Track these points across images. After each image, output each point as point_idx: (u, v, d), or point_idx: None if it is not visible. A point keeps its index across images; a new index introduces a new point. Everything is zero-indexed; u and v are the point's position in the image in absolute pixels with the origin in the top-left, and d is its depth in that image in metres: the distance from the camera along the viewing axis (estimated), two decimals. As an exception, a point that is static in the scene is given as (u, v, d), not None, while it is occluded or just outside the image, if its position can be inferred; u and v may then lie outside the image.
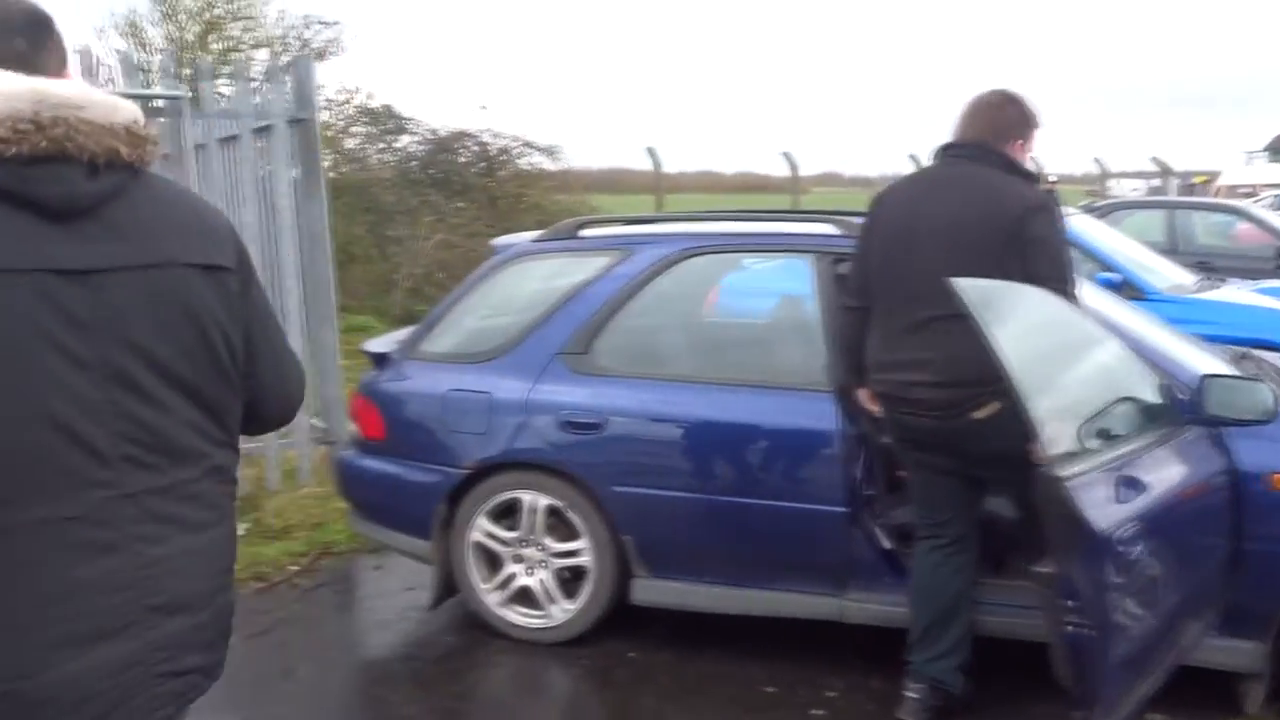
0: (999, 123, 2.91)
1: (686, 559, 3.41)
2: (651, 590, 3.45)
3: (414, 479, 3.66)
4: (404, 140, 14.42)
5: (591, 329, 3.51)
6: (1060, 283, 2.70)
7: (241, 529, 4.69)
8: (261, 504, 4.96)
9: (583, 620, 3.52)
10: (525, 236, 3.94)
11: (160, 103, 4.71)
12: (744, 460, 3.29)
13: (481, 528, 3.59)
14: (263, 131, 5.02)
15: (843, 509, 3.19)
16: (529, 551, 3.57)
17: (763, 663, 3.39)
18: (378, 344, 4.03)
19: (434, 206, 13.76)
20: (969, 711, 3.00)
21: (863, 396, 3.15)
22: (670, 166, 15.77)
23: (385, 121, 14.12)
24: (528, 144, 15.46)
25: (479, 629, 3.66)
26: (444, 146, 14.59)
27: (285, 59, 14.44)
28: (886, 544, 3.25)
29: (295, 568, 4.34)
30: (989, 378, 2.67)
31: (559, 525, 3.53)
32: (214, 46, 13.67)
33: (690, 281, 3.66)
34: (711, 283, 3.87)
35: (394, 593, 4.10)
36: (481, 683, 3.37)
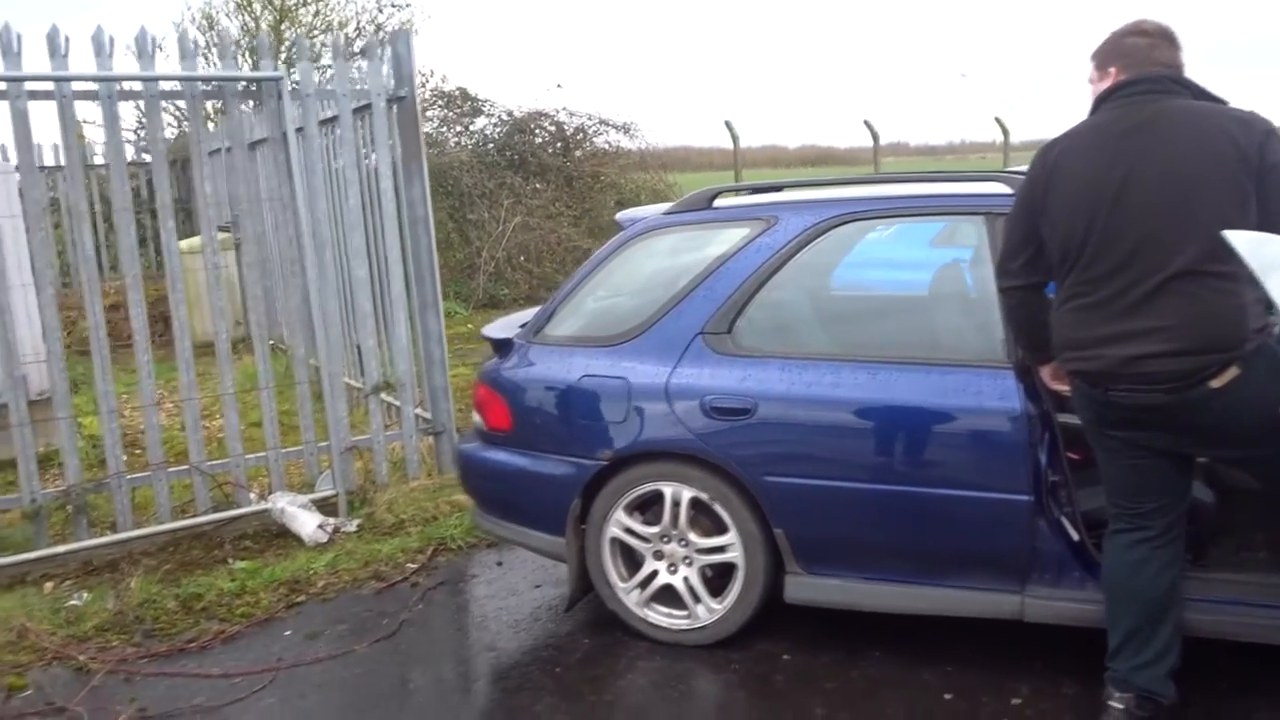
0: (1164, 52, 2.56)
1: (847, 554, 3.12)
2: (807, 588, 3.18)
3: (545, 472, 3.43)
4: (480, 122, 14.29)
5: (735, 306, 3.23)
6: None
7: (354, 525, 4.54)
8: (373, 498, 4.80)
9: (731, 621, 3.26)
10: (652, 210, 3.67)
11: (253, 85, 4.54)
12: (914, 445, 2.99)
13: (619, 522, 3.35)
14: (360, 112, 4.83)
15: (1027, 497, 2.87)
16: (671, 547, 3.31)
17: (934, 667, 3.09)
18: (497, 329, 3.81)
19: (512, 189, 13.61)
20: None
21: (1047, 374, 2.83)
22: (729, 143, 15.32)
23: (461, 104, 13.98)
24: (604, 122, 15.25)
25: (617, 630, 3.43)
26: (520, 127, 14.42)
27: (359, 41, 14.38)
28: (1074, 535, 2.92)
29: (413, 566, 4.16)
30: (1233, 341, 2.34)
31: (703, 519, 3.27)
32: (287, 34, 13.65)
33: (845, 251, 3.34)
34: (870, 251, 3.54)
35: (521, 591, 3.89)
36: (629, 690, 3.13)
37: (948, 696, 2.95)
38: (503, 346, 3.65)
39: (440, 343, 5.09)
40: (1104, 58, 2.63)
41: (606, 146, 15.21)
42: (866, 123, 18.23)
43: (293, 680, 3.26)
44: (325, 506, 4.63)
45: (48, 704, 3.15)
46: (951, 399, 2.94)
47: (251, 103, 5.07)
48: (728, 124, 16.95)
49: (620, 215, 3.74)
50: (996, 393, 2.89)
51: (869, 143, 17.96)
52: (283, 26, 13.23)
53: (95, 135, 11.11)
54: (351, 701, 3.13)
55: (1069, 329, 2.59)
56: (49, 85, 4.01)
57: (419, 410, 5.14)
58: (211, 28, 12.78)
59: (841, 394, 3.04)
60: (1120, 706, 2.66)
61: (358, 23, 13.70)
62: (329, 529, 4.44)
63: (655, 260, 3.54)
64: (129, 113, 12.38)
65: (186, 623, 3.70)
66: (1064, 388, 2.77)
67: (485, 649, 3.43)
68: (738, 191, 3.59)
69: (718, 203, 3.48)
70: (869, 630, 3.27)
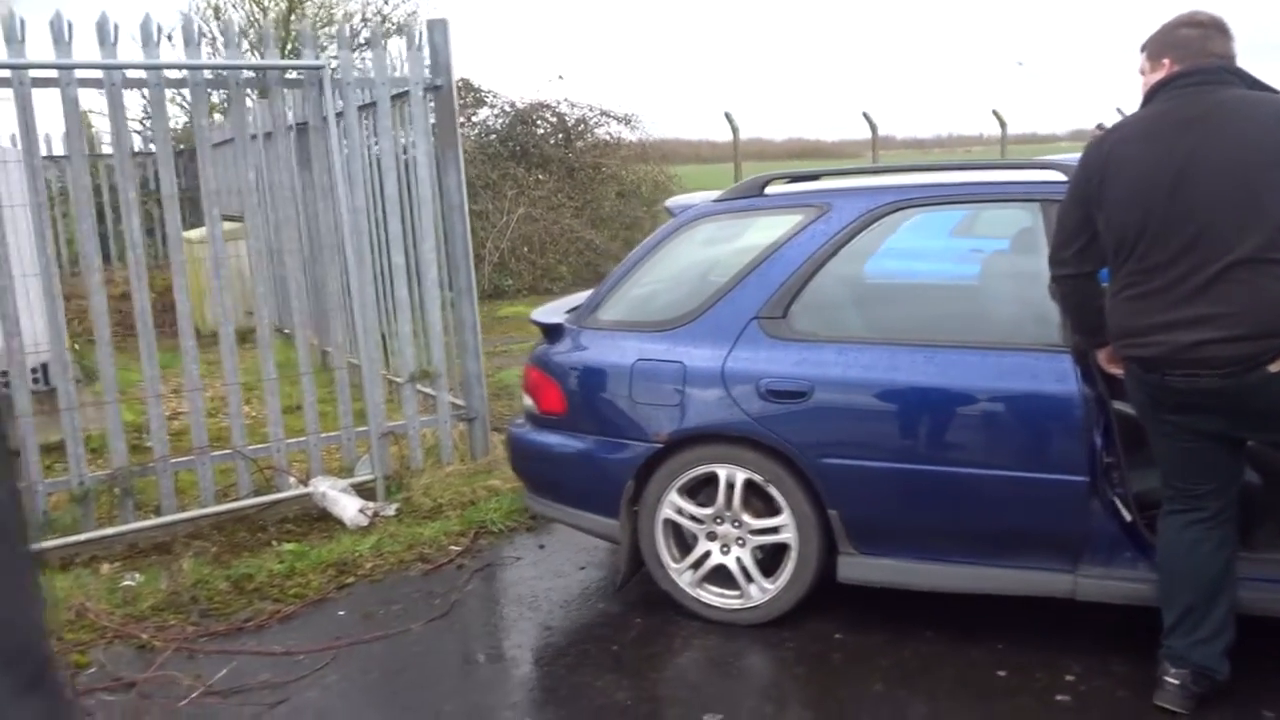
0: (1218, 44, 2.64)
1: (901, 534, 3.19)
2: (860, 567, 3.25)
3: (600, 454, 3.49)
4: (483, 113, 14.30)
5: (790, 291, 3.30)
6: None
7: (392, 509, 4.59)
8: (409, 483, 4.84)
9: (784, 600, 3.33)
10: (702, 196, 3.73)
11: (297, 73, 4.57)
12: (970, 427, 3.06)
13: (673, 504, 3.41)
14: (397, 100, 4.87)
15: (1083, 478, 2.94)
16: (724, 528, 3.38)
17: (985, 645, 3.17)
18: (546, 313, 3.86)
19: (515, 179, 13.63)
20: (1227, 696, 2.75)
21: (1102, 358, 2.91)
22: (725, 135, 15.37)
23: (464, 95, 13.97)
24: (605, 113, 15.27)
25: (668, 609, 3.50)
26: (522, 118, 14.43)
27: (365, 32, 14.36)
28: (1127, 516, 3.00)
29: (456, 548, 4.21)
30: None
31: (755, 500, 3.34)
32: (293, 27, 13.62)
33: (900, 237, 3.41)
34: (929, 237, 3.61)
35: (568, 572, 3.95)
36: (687, 667, 3.20)
37: (1001, 673, 3.02)
38: (553, 331, 3.71)
39: (475, 330, 5.14)
40: (1157, 49, 2.70)
41: (608, 138, 15.25)
42: (865, 114, 18.30)
43: (353, 658, 3.32)
44: (363, 491, 4.68)
45: (115, 680, 3.19)
46: (1009, 382, 3.01)
47: (285, 92, 5.09)
48: (728, 115, 16.98)
49: (670, 202, 3.79)
50: (1053, 375, 2.97)
51: (855, 135, 17.98)
52: (291, 19, 13.21)
53: (101, 124, 11.12)
54: (415, 678, 3.19)
55: (1126, 316, 2.66)
56: (98, 73, 4.03)
57: (452, 397, 5.19)
58: (217, 17, 12.74)
59: (898, 377, 3.11)
60: (1176, 682, 2.74)
61: (364, 14, 13.68)
62: (369, 513, 4.49)
63: (707, 247, 3.60)
64: (133, 102, 12.35)
65: (240, 603, 3.75)
66: (1118, 371, 2.85)
67: (540, 627, 3.50)
68: (789, 179, 3.64)
69: (769, 190, 3.54)
70: (918, 610, 3.35)
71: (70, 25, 3.93)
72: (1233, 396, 2.53)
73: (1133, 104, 2.80)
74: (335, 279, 4.77)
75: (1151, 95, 2.68)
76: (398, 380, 5.22)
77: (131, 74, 4.14)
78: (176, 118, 13.09)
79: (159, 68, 4.16)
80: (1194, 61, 2.62)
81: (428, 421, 5.09)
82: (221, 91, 4.66)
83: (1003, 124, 20.02)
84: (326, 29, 14.71)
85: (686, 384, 3.33)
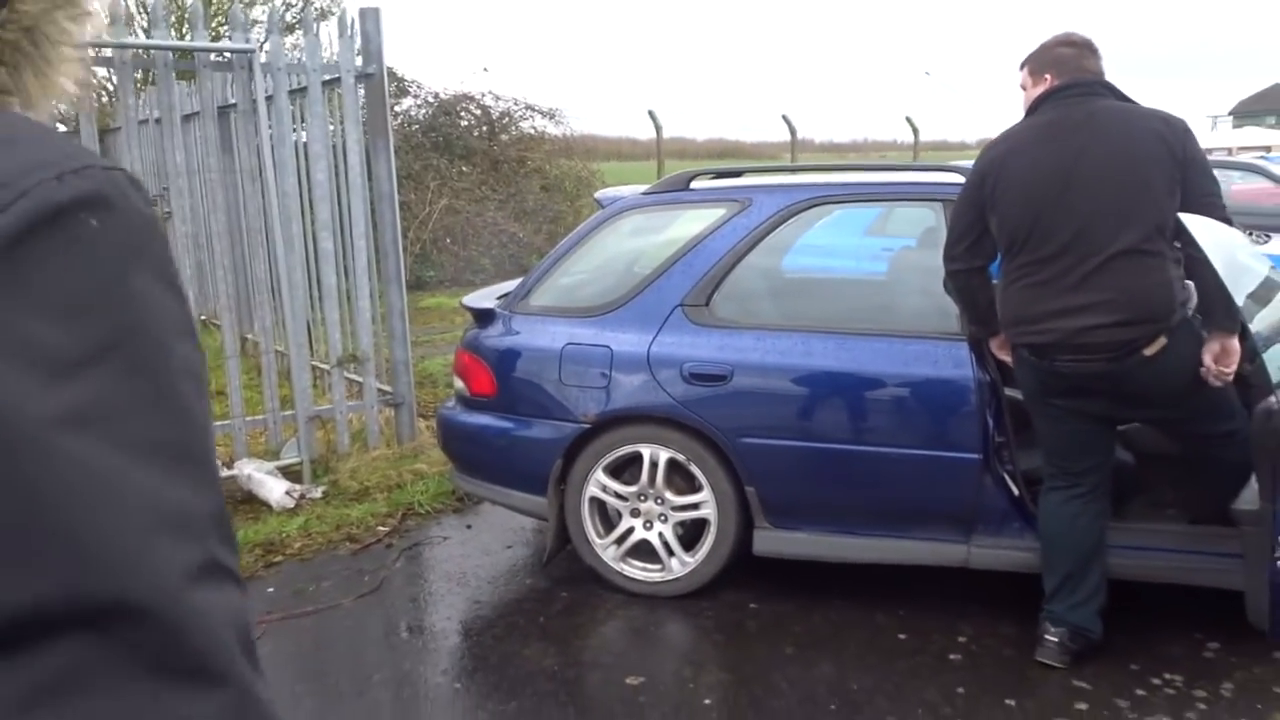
0: (1091, 61, 2.93)
1: (812, 509, 3.41)
2: (775, 541, 3.46)
3: (529, 435, 3.63)
4: (406, 103, 14.22)
5: (712, 281, 3.49)
6: (1221, 201, 2.74)
7: (319, 491, 4.65)
8: (335, 467, 4.91)
9: (703, 573, 3.52)
10: (631, 189, 3.89)
11: (227, 56, 4.59)
12: (876, 409, 3.29)
13: (598, 482, 3.57)
14: (326, 86, 4.92)
15: (977, 456, 3.20)
16: (647, 505, 3.56)
17: (889, 611, 3.41)
18: (477, 299, 3.98)
19: (438, 171, 13.62)
20: (1101, 652, 3.04)
21: (994, 346, 3.16)
22: (646, 133, 15.61)
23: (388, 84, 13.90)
24: (530, 107, 15.33)
25: (592, 583, 3.66)
26: (446, 109, 14.41)
27: (288, 14, 14.14)
28: (1015, 491, 3.27)
29: (384, 529, 4.31)
30: (1164, 313, 2.69)
31: (677, 478, 3.52)
32: (217, 6, 13.37)
33: (814, 231, 3.63)
34: (842, 234, 3.84)
35: (494, 551, 4.08)
36: (612, 636, 3.37)
37: (902, 636, 3.27)
38: (484, 316, 3.83)
39: (403, 317, 5.22)
40: (1038, 65, 2.98)
41: (532, 131, 15.33)
42: (785, 117, 18.70)
43: (285, 631, 3.40)
44: (290, 474, 4.73)
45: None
46: (912, 367, 3.25)
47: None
48: (651, 114, 17.21)
49: (599, 194, 3.95)
50: (951, 361, 3.22)
51: (775, 138, 18.36)
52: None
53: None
54: (346, 650, 3.29)
55: (1018, 306, 2.91)
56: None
57: (378, 383, 5.26)
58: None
59: (812, 362, 3.33)
60: (1055, 640, 3.02)
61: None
62: (296, 495, 4.54)
63: (634, 237, 3.76)
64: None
65: (168, 581, 3.78)
66: (1008, 357, 3.11)
67: (468, 602, 3.62)
68: (713, 175, 3.83)
69: (694, 185, 3.72)
70: (827, 580, 3.58)
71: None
72: (1115, 379, 2.80)
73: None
74: (262, 263, 4.79)
75: (1036, 106, 2.95)
76: (323, 366, 5.27)
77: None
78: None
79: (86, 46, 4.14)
80: (1072, 76, 2.89)
81: (354, 407, 5.16)
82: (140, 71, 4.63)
83: (915, 131, 20.67)
84: (251, 8, 14.49)
85: (613, 367, 3.50)
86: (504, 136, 14.87)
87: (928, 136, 20.50)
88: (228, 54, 4.60)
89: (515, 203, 14.54)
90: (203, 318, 6.77)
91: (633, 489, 3.55)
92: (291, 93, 4.94)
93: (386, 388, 5.28)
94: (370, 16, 4.87)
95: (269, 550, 4.06)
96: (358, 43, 4.86)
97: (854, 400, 3.31)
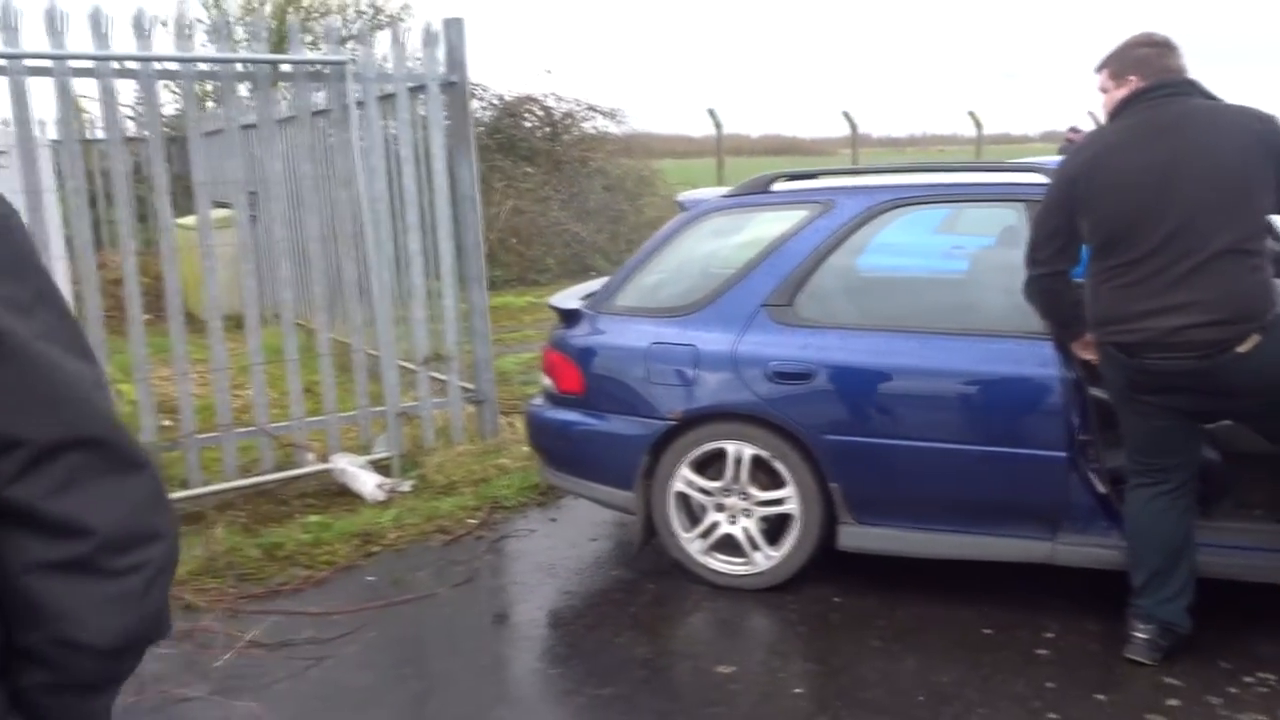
0: (1173, 59, 2.95)
1: (896, 505, 3.48)
2: (858, 536, 3.53)
3: (616, 431, 3.75)
4: (471, 106, 14.44)
5: (796, 281, 3.57)
6: None
7: (408, 485, 4.82)
8: (422, 461, 5.08)
9: (787, 567, 3.60)
10: (711, 193, 3.99)
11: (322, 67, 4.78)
12: (960, 407, 3.35)
13: (684, 478, 3.67)
14: (414, 93, 5.09)
15: (1063, 454, 3.24)
16: (732, 500, 3.65)
17: (972, 607, 3.46)
18: (563, 299, 4.11)
19: (503, 172, 13.83)
20: (1190, 649, 3.06)
21: (1078, 347, 3.20)
22: (698, 130, 15.67)
23: (454, 87, 14.14)
24: (591, 107, 15.49)
25: (676, 576, 3.77)
26: (510, 111, 14.62)
27: (358, 24, 14.47)
28: (1101, 488, 3.30)
29: (473, 521, 4.46)
30: (1260, 311, 2.72)
31: (761, 474, 3.61)
32: (288, 19, 13.74)
33: (898, 231, 3.69)
34: (921, 234, 3.90)
35: (580, 543, 4.21)
36: (699, 626, 3.47)
37: (987, 631, 3.32)
38: (570, 316, 3.96)
39: (484, 316, 5.38)
40: (1120, 67, 3.00)
41: (593, 132, 15.49)
42: (845, 114, 18.63)
43: (387, 618, 3.56)
44: (379, 468, 4.91)
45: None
46: (996, 365, 3.30)
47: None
48: (711, 112, 17.26)
49: (682, 197, 4.05)
50: (1036, 360, 3.26)
51: (831, 133, 18.31)
52: (288, 8, 13.34)
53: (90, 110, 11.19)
54: (446, 635, 3.44)
55: (1109, 306, 2.95)
56: (134, 64, 4.22)
57: (464, 382, 5.42)
58: (217, 6, 12.85)
59: (895, 361, 3.40)
60: (1145, 636, 3.05)
61: (357, 6, 13.83)
62: (386, 488, 4.72)
63: (717, 239, 3.86)
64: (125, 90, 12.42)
65: (273, 569, 3.97)
66: (1092, 357, 3.14)
67: (558, 592, 3.75)
68: (794, 177, 3.90)
69: (775, 187, 3.81)
70: (909, 575, 3.64)
71: (109, 19, 4.13)
72: (1205, 376, 2.83)
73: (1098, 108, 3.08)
74: (353, 266, 4.98)
75: (1122, 108, 2.97)
76: (407, 365, 5.44)
77: (159, 66, 4.33)
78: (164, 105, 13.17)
79: (192, 60, 4.36)
80: (1157, 76, 2.92)
81: (439, 403, 5.32)
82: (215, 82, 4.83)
83: (979, 125, 20.43)
84: (319, 21, 14.90)
85: (699, 366, 3.60)
86: (566, 137, 15.05)
87: (990, 130, 20.27)
88: (322, 65, 4.78)
89: (578, 202, 14.71)
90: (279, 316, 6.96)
91: (718, 484, 3.64)
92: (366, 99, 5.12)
93: (469, 385, 5.44)
94: (454, 26, 5.02)
95: (366, 540, 4.23)
96: (442, 52, 5.02)
97: (936, 398, 3.37)
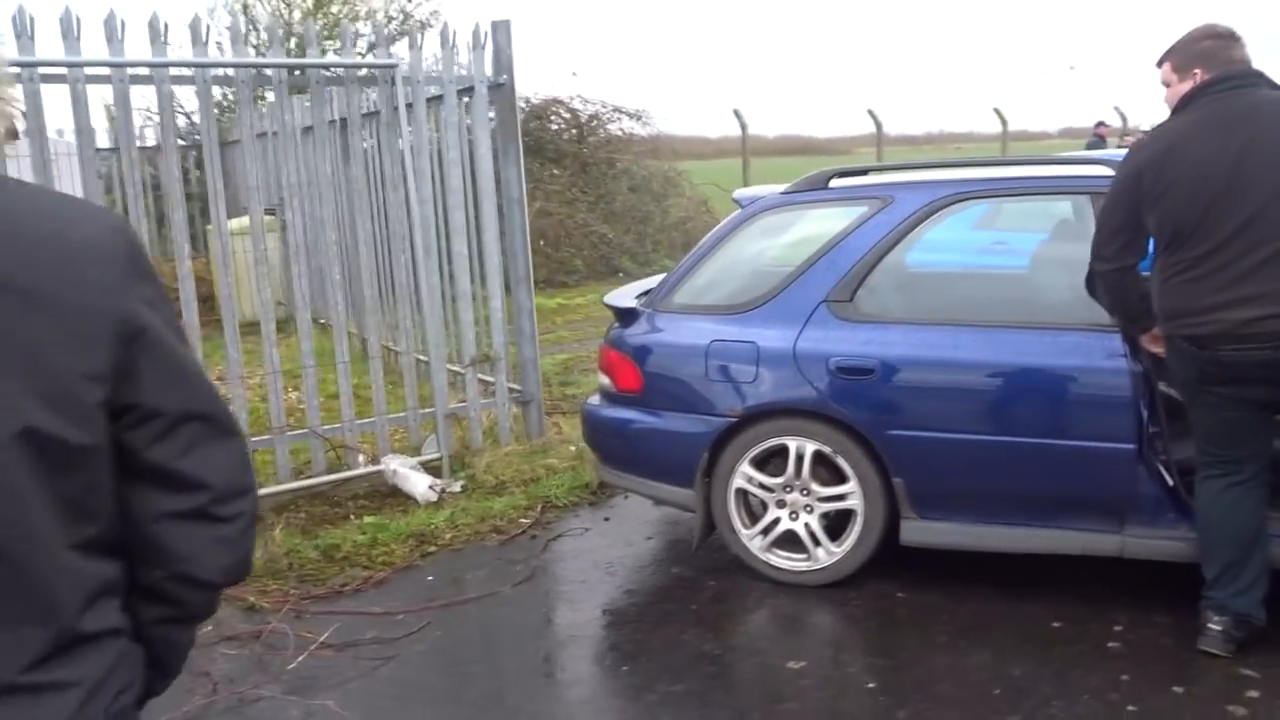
0: (1238, 51, 2.93)
1: (961, 500, 3.46)
2: (922, 531, 3.52)
3: (675, 429, 3.75)
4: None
5: (856, 277, 3.56)
6: None
7: (458, 485, 4.84)
8: (470, 462, 5.10)
9: (850, 562, 3.60)
10: (767, 189, 3.99)
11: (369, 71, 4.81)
12: (1027, 400, 3.33)
13: (745, 474, 3.67)
14: (461, 95, 5.11)
15: (1132, 446, 3.22)
16: (793, 496, 3.65)
17: (1038, 601, 3.45)
18: (619, 297, 4.12)
19: (531, 174, 13.86)
20: (1266, 640, 3.03)
21: (1146, 340, 3.17)
22: (715, 131, 15.65)
23: (480, 90, 14.20)
24: (617, 109, 15.52)
25: (736, 572, 3.77)
26: (536, 114, 14.66)
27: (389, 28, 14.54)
28: (1170, 481, 3.28)
29: (526, 521, 4.47)
30: None
31: (822, 470, 3.61)
32: (318, 23, 13.84)
33: (958, 226, 3.68)
34: (982, 228, 3.89)
35: (636, 541, 4.22)
36: (765, 622, 3.47)
37: (1055, 625, 3.30)
38: (626, 314, 3.97)
39: (531, 317, 5.40)
40: (1185, 61, 2.98)
41: (619, 133, 15.52)
42: (870, 112, 18.61)
43: (450, 617, 3.57)
44: (429, 469, 4.93)
45: (232, 635, 3.45)
46: (1064, 358, 3.28)
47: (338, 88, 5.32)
48: (736, 112, 17.28)
49: (738, 194, 4.05)
50: (1104, 352, 3.24)
51: (847, 132, 18.31)
52: (317, 15, 13.46)
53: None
54: (512, 633, 3.45)
55: (1179, 299, 2.92)
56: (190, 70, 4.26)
57: (511, 383, 5.44)
58: (245, 13, 12.96)
59: (960, 355, 3.38)
60: (1219, 629, 3.02)
61: (386, 11, 13.93)
62: (438, 489, 4.74)
63: (775, 236, 3.86)
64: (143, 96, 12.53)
65: (333, 570, 4.00)
66: (1160, 350, 3.12)
67: (620, 589, 3.76)
68: (853, 173, 3.89)
69: (834, 183, 3.80)
70: (972, 570, 3.63)
71: (167, 25, 4.17)
72: (1278, 366, 2.80)
73: (1125, 103, 3.06)
74: (403, 269, 5.01)
75: (1187, 101, 2.95)
76: (452, 367, 5.47)
77: (212, 72, 4.38)
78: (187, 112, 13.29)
79: (246, 66, 4.40)
80: (1223, 68, 2.90)
81: (487, 404, 5.34)
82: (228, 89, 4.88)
83: (1004, 121, 20.33)
84: (359, 24, 15.05)
85: (760, 363, 3.60)
86: (592, 139, 15.08)
87: (1011, 127, 20.19)
88: (372, 69, 4.81)
89: (605, 204, 14.73)
90: (321, 321, 6.98)
91: (778, 480, 3.64)
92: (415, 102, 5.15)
93: (516, 386, 5.46)
94: (501, 29, 5.05)
95: (422, 541, 4.25)
96: (489, 54, 5.04)
97: (1003, 392, 3.35)
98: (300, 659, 3.28)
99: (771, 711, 2.89)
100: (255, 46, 12.31)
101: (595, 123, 15.22)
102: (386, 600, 3.73)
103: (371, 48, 13.90)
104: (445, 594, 3.75)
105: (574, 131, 15.00)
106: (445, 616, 3.58)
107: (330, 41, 13.73)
